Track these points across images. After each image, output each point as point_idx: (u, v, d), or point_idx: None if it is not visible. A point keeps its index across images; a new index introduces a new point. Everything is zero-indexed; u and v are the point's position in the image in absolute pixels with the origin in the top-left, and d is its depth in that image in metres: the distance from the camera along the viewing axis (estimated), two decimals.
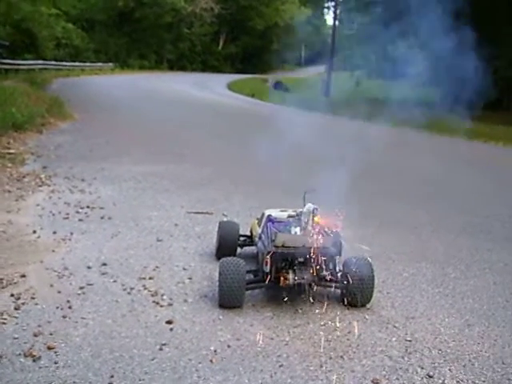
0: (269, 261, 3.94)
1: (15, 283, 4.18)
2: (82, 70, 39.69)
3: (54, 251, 4.92)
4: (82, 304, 3.91)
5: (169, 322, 3.68)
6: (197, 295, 4.14)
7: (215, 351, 3.36)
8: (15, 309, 3.76)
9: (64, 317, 3.69)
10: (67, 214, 6.04)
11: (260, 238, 4.42)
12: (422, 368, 3.31)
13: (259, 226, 4.63)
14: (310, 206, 4.14)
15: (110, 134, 12.39)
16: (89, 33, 47.50)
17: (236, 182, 8.21)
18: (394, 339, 3.65)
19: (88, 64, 42.60)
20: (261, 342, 3.51)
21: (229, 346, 3.43)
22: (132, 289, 4.19)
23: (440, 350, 3.55)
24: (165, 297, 4.08)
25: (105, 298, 4.03)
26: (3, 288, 4.07)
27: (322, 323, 3.81)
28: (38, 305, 3.85)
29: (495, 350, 3.59)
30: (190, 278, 4.45)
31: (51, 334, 3.45)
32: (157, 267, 4.65)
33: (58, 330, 3.52)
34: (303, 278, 3.92)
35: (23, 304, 3.84)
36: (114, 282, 4.32)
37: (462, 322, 3.97)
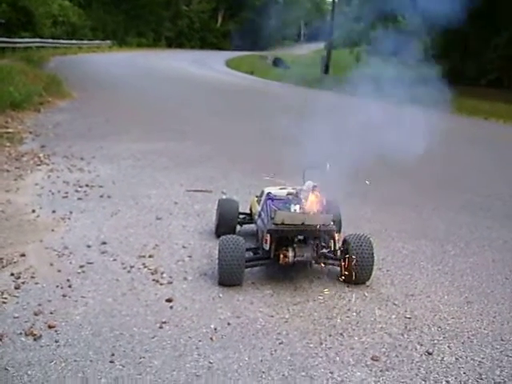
0: (268, 239, 3.94)
1: (15, 262, 4.18)
2: (79, 47, 39.39)
3: (53, 230, 4.91)
4: (82, 283, 3.91)
5: (169, 300, 3.69)
6: (196, 273, 4.15)
7: (215, 329, 3.37)
8: (15, 288, 3.76)
9: (64, 296, 3.70)
10: (66, 192, 6.02)
11: (259, 215, 4.41)
12: (422, 345, 3.33)
13: (259, 203, 4.62)
14: (309, 183, 4.13)
15: (109, 112, 12.33)
16: (86, 10, 47.00)
17: (235, 159, 8.19)
18: (393, 316, 3.66)
19: (85, 42, 42.27)
20: (261, 319, 3.52)
21: (229, 324, 3.44)
22: (132, 267, 4.19)
23: (439, 327, 3.56)
24: (164, 275, 4.08)
25: (105, 276, 4.03)
26: (3, 267, 4.07)
27: (322, 300, 3.82)
28: (38, 284, 3.85)
29: (494, 327, 3.60)
30: (189, 256, 4.46)
31: (51, 313, 3.46)
32: (156, 245, 4.65)
33: (59, 308, 3.52)
34: (303, 256, 3.93)
35: (23, 283, 3.85)
36: (114, 260, 4.32)
37: (461, 300, 3.98)
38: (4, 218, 5.15)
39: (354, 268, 4.00)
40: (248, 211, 5.00)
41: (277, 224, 3.93)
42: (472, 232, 5.53)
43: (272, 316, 3.57)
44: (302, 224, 3.92)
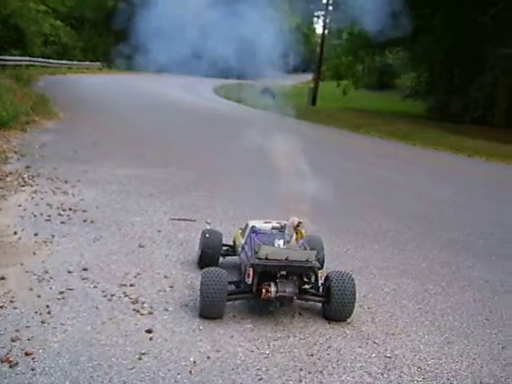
0: (251, 273, 3.93)
1: None
2: (68, 68, 39.47)
3: (34, 254, 4.86)
4: (62, 309, 3.87)
5: (149, 331, 3.65)
6: (177, 304, 4.12)
7: (194, 362, 3.34)
8: None
9: (43, 322, 3.65)
10: (49, 215, 5.98)
11: (243, 248, 4.41)
12: None
13: (242, 236, 4.62)
14: (294, 219, 4.14)
15: (95, 135, 12.31)
16: (78, 31, 47.17)
17: (220, 189, 8.18)
18: (373, 355, 3.66)
19: (75, 62, 42.36)
20: (240, 354, 3.49)
21: (208, 358, 3.41)
22: (112, 295, 4.15)
23: (419, 367, 3.56)
24: (145, 305, 4.05)
25: (85, 303, 3.99)
26: None
27: (303, 337, 3.80)
28: (16, 309, 3.80)
29: (473, 369, 3.60)
30: (171, 287, 4.42)
31: (29, 340, 3.41)
32: (138, 274, 4.62)
33: (37, 335, 3.48)
34: (285, 291, 3.91)
35: (1, 307, 3.80)
36: (95, 287, 4.28)
37: (441, 340, 3.98)
38: None
39: (335, 305, 4.00)
40: (231, 243, 4.99)
41: (260, 258, 3.93)
42: (453, 271, 5.56)
43: (252, 351, 3.54)
44: (286, 259, 3.92)
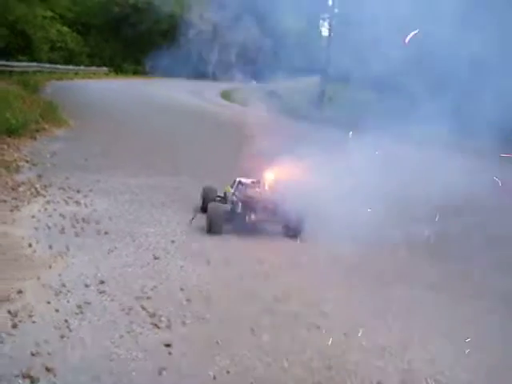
0: (240, 205, 6.34)
1: (12, 299, 4.16)
2: (75, 73, 39.53)
3: (50, 267, 4.88)
4: (80, 324, 3.90)
5: (167, 345, 3.68)
6: (195, 317, 4.14)
7: (214, 377, 3.36)
8: (12, 327, 3.75)
9: (62, 337, 3.69)
10: (63, 227, 5.98)
11: (234, 193, 6.65)
12: None
13: (232, 187, 6.80)
14: (268, 174, 6.47)
15: (105, 143, 12.26)
16: (84, 36, 47.29)
17: None
18: (390, 368, 3.67)
19: (82, 68, 42.42)
20: (259, 368, 3.52)
21: (228, 372, 3.43)
22: (130, 309, 4.17)
23: (436, 379, 3.57)
24: (163, 318, 4.08)
25: (103, 317, 4.02)
26: None
27: (319, 350, 3.82)
28: (35, 323, 3.84)
29: (490, 381, 3.61)
30: (188, 300, 4.44)
31: (49, 354, 3.45)
32: (154, 287, 4.63)
33: (56, 350, 3.52)
34: (260, 217, 6.29)
35: (20, 322, 3.83)
36: (112, 301, 4.31)
37: (457, 351, 3.99)
38: (0, 252, 5.12)
39: (290, 225, 6.29)
40: (222, 195, 6.99)
41: (246, 196, 6.37)
42: (468, 281, 5.54)
43: (270, 365, 3.57)
44: (262, 198, 6.30)
